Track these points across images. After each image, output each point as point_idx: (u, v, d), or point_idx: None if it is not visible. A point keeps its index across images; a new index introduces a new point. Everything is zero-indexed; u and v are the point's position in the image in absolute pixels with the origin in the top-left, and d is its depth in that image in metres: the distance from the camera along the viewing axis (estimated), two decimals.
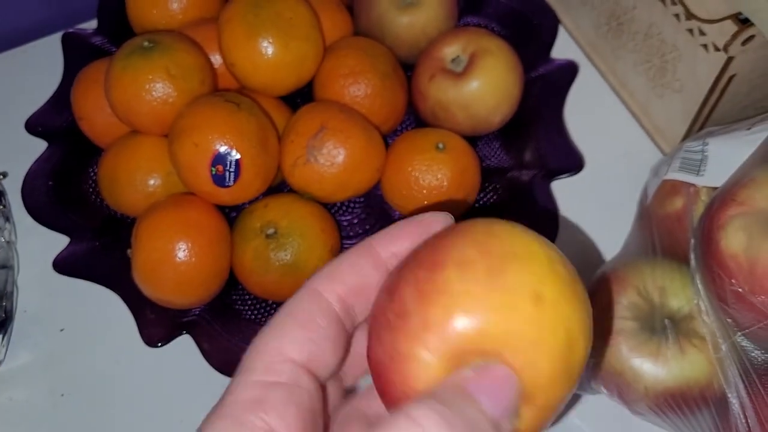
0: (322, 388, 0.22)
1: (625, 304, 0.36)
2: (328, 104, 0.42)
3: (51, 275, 0.42)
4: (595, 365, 0.36)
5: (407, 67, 0.48)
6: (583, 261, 0.42)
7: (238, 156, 0.38)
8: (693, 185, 0.37)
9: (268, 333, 0.21)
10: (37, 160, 0.45)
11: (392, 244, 0.23)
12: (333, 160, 0.40)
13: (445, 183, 0.41)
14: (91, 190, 0.46)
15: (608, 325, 0.36)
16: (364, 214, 0.47)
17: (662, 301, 0.36)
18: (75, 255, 0.43)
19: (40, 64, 0.54)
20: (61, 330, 0.44)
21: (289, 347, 0.21)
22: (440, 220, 0.23)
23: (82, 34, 0.50)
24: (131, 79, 0.40)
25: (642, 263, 0.38)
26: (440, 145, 0.42)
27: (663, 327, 0.35)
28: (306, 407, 0.21)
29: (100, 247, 0.43)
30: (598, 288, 0.38)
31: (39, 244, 0.44)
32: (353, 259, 0.23)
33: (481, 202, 0.45)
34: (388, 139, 0.48)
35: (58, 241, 0.43)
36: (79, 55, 0.49)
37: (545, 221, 0.42)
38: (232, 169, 0.38)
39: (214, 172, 0.37)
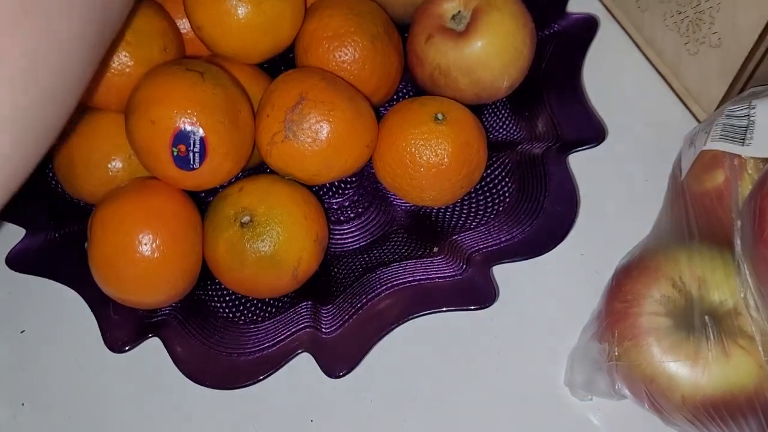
0: None
1: (657, 298, 0.31)
2: (309, 71, 0.37)
3: (8, 271, 0.37)
4: (620, 367, 0.31)
5: (402, 28, 0.42)
6: (607, 247, 0.37)
7: (202, 133, 0.33)
8: (737, 156, 0.32)
9: None
10: None
11: None
12: (315, 136, 0.35)
13: (446, 159, 0.36)
14: (50, 175, 0.41)
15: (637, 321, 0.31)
16: (356, 196, 0.41)
17: (701, 294, 0.31)
18: (31, 249, 0.38)
19: None
20: (22, 332, 0.40)
21: None
22: None
23: None
24: None
25: (676, 249, 0.32)
26: (439, 116, 0.36)
27: (703, 325, 0.30)
28: None
29: (60, 240, 0.39)
30: (625, 279, 0.33)
31: None
32: None
33: (487, 180, 0.40)
34: (381, 110, 0.43)
35: (12, 234, 0.38)
36: None
37: (562, 201, 0.37)
38: (196, 149, 0.33)
39: (175, 153, 0.32)
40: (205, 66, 0.35)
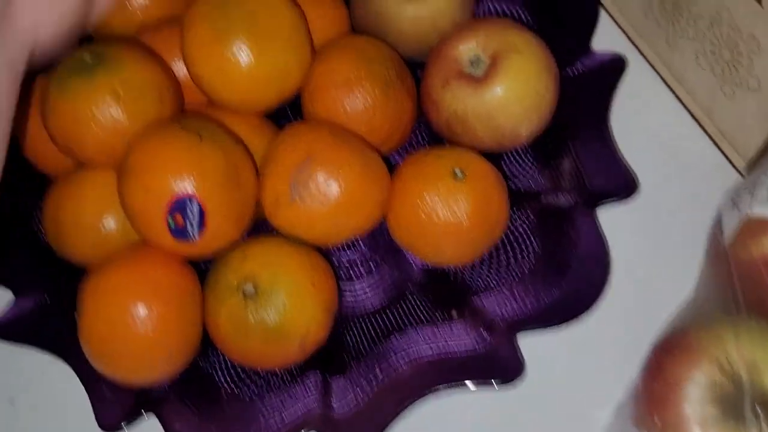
0: None
1: (701, 383, 0.28)
2: (315, 126, 0.34)
3: None
4: None
5: (416, 66, 0.39)
6: (641, 315, 0.34)
7: (200, 201, 0.30)
8: None
9: None
10: None
11: None
12: (324, 199, 0.32)
13: (465, 219, 0.33)
14: (41, 232, 0.39)
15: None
16: (369, 251, 0.39)
17: (752, 379, 0.28)
18: (20, 315, 0.36)
19: None
20: (11, 402, 0.37)
21: None
22: None
23: None
24: (70, 107, 0.32)
25: (720, 325, 0.29)
26: (458, 172, 0.34)
27: (755, 415, 0.27)
28: None
29: (51, 305, 0.36)
30: (665, 358, 0.30)
31: None
32: None
33: (509, 236, 0.37)
34: (396, 155, 0.40)
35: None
36: None
37: (590, 260, 0.34)
38: (194, 219, 0.30)
39: (172, 225, 0.30)
40: (203, 124, 0.32)
